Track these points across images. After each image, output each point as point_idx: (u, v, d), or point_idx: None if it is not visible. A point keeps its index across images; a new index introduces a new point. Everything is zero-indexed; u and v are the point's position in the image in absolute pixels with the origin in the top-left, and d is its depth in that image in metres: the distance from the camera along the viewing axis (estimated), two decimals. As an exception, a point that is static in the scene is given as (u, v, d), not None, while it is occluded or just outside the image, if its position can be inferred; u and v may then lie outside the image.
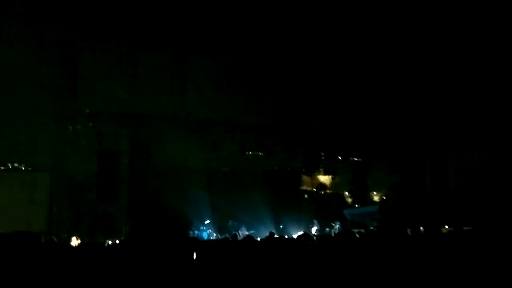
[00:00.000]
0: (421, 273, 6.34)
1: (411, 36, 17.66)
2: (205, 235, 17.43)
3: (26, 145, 16.83)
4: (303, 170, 21.21)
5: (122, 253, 7.37)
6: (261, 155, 20.19)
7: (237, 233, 16.21)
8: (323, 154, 21.11)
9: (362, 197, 20.69)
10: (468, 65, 17.26)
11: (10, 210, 16.01)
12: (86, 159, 17.53)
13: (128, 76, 18.01)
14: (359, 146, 20.28)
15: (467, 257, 6.80)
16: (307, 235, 10.10)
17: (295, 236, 13.71)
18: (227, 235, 16.19)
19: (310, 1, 17.47)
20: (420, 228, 10.51)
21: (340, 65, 18.63)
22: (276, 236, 13.14)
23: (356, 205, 20.39)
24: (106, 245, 12.39)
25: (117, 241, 15.28)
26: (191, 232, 17.36)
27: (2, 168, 16.89)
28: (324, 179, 21.67)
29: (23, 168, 17.18)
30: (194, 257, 7.09)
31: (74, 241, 15.54)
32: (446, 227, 13.42)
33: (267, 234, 13.76)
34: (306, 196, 21.02)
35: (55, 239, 14.41)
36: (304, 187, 21.32)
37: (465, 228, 10.16)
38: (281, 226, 18.14)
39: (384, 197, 20.18)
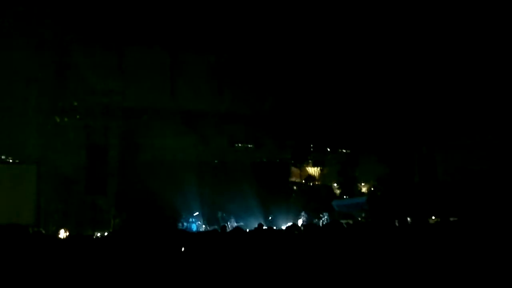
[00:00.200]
0: (409, 264, 6.41)
1: (399, 30, 17.73)
2: (194, 227, 17.47)
3: (14, 138, 16.74)
4: (292, 161, 21.31)
5: (110, 246, 7.37)
6: (250, 147, 20.24)
7: (226, 224, 16.25)
8: (312, 146, 21.20)
9: (350, 189, 20.83)
10: (454, 58, 17.38)
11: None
12: (75, 152, 17.46)
13: (117, 69, 17.93)
14: (348, 138, 20.39)
15: (454, 247, 6.90)
16: (295, 226, 10.17)
17: (283, 227, 13.78)
18: (216, 226, 16.21)
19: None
20: (407, 219, 10.61)
21: (329, 58, 18.68)
22: (264, 227, 13.19)
23: (345, 196, 20.52)
24: (94, 237, 12.38)
25: (106, 234, 15.30)
26: (180, 224, 17.39)
27: (-11, 160, 16.81)
28: (313, 170, 21.81)
29: (11, 161, 17.11)
30: (183, 249, 7.11)
31: (62, 233, 15.53)
32: (433, 218, 13.55)
33: (256, 225, 13.80)
34: (295, 187, 21.15)
35: (43, 231, 14.39)
36: (293, 179, 21.45)
37: (451, 219, 10.27)
38: (270, 218, 18.21)
39: (372, 189, 20.32)
